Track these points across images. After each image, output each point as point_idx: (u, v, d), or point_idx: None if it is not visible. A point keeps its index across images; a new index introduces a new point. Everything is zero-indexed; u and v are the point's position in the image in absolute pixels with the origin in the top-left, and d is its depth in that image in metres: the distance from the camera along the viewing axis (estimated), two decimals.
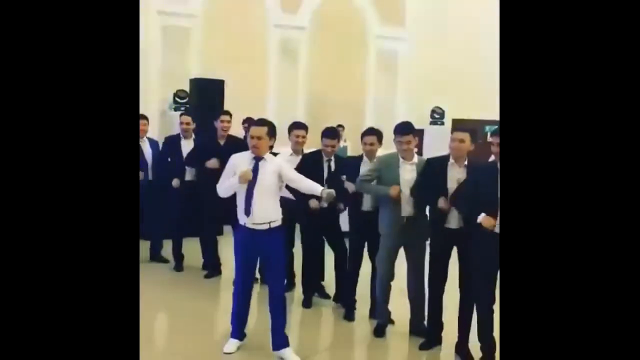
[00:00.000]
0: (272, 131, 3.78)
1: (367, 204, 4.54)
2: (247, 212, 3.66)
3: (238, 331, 3.93)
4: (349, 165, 4.71)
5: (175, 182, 5.74)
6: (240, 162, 3.75)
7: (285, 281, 4.46)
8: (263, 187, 3.66)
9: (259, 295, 4.60)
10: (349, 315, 4.69)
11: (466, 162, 3.91)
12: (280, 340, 3.78)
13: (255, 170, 3.67)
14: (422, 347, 4.13)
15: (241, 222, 3.74)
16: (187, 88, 8.47)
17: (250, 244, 3.75)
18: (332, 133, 4.78)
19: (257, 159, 3.72)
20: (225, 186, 3.76)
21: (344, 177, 4.58)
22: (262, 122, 3.81)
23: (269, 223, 3.69)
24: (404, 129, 4.09)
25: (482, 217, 3.52)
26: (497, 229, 3.44)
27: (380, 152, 4.63)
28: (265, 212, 3.68)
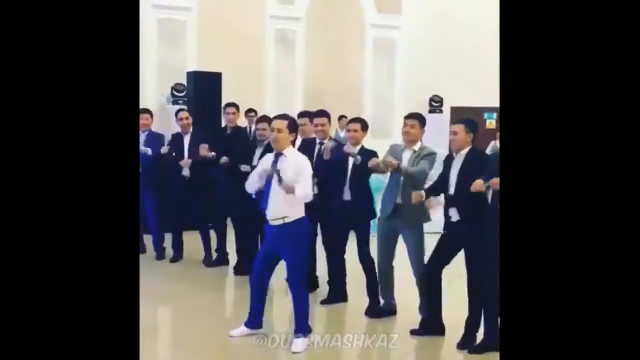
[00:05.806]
0: (292, 125, 3.87)
1: (347, 193, 4.54)
2: (265, 206, 3.81)
3: (251, 320, 4.04)
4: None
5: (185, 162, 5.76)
6: (267, 158, 3.91)
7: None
8: (278, 183, 3.72)
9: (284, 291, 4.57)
10: (335, 297, 4.76)
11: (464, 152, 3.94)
12: (296, 328, 3.90)
13: (274, 165, 3.75)
14: (414, 333, 4.15)
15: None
16: (184, 81, 8.46)
17: (268, 238, 3.92)
18: (320, 112, 4.89)
19: (277, 154, 3.80)
20: (249, 182, 3.95)
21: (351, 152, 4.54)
22: (284, 116, 3.91)
23: (283, 218, 3.76)
24: (411, 115, 4.38)
25: (474, 184, 3.59)
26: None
27: (368, 141, 4.69)
28: (279, 208, 3.76)
